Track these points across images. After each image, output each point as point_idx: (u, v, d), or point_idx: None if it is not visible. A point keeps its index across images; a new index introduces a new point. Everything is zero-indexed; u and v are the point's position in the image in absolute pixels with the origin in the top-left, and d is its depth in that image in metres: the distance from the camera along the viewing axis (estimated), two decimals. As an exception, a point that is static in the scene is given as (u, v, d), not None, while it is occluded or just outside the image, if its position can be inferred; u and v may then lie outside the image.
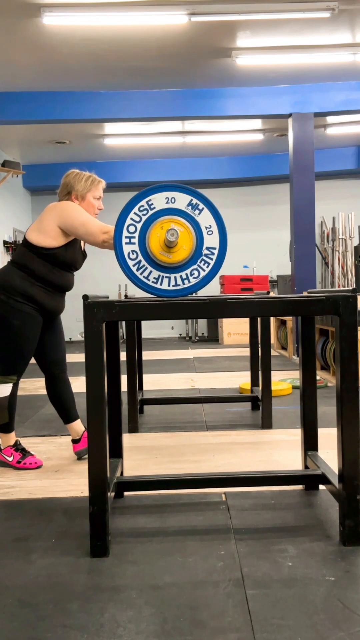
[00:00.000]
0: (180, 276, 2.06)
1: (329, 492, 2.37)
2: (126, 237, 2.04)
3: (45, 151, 9.53)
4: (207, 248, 2.06)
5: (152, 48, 5.90)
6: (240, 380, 5.60)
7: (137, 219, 2.03)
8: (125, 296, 10.79)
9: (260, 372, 3.87)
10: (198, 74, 6.68)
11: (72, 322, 11.37)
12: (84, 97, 7.13)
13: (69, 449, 3.32)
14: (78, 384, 5.75)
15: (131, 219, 2.03)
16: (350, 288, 3.05)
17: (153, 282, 2.05)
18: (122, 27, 5.41)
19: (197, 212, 2.04)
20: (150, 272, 2.05)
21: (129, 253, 2.04)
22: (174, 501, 2.45)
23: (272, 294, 4.06)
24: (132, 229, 2.04)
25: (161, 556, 1.95)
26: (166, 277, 2.05)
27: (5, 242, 9.47)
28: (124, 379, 4.90)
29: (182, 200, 2.04)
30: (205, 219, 2.05)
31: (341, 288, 3.38)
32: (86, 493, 2.47)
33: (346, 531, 1.98)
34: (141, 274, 2.05)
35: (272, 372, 5.39)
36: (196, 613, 1.60)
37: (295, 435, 3.45)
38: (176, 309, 2.00)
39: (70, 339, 11.41)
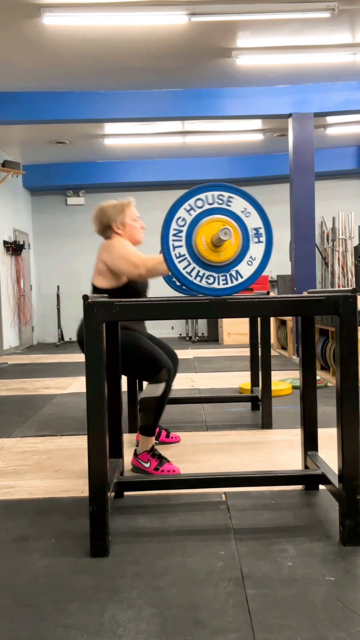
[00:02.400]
0: (200, 273, 2.07)
1: (329, 492, 2.37)
2: (189, 204, 2.05)
3: (45, 151, 9.53)
4: (237, 272, 2.09)
5: (152, 48, 5.90)
6: (240, 380, 5.60)
7: (210, 200, 2.06)
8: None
9: (260, 372, 3.87)
10: (198, 74, 6.68)
11: (72, 322, 11.38)
12: (84, 97, 7.13)
13: (69, 448, 3.32)
14: (78, 384, 5.76)
15: (205, 196, 2.06)
16: (350, 288, 3.05)
17: (177, 256, 2.06)
18: (122, 27, 5.41)
19: (256, 239, 2.09)
20: (181, 248, 2.06)
21: (178, 219, 2.06)
22: (174, 501, 2.45)
23: (272, 294, 4.06)
24: (199, 203, 2.06)
25: (161, 556, 1.95)
26: (189, 264, 2.06)
27: (5, 242, 9.47)
28: (124, 379, 4.90)
29: (253, 220, 2.07)
30: (256, 249, 2.09)
31: (341, 288, 3.38)
32: (86, 493, 2.47)
33: (346, 531, 1.98)
34: (173, 243, 2.06)
35: (272, 372, 5.38)
36: (196, 613, 1.60)
37: (295, 435, 3.45)
38: (176, 309, 2.00)
39: (70, 339, 11.41)
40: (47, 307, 11.48)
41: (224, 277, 2.07)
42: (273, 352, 7.92)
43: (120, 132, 8.61)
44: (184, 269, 2.06)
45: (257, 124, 8.38)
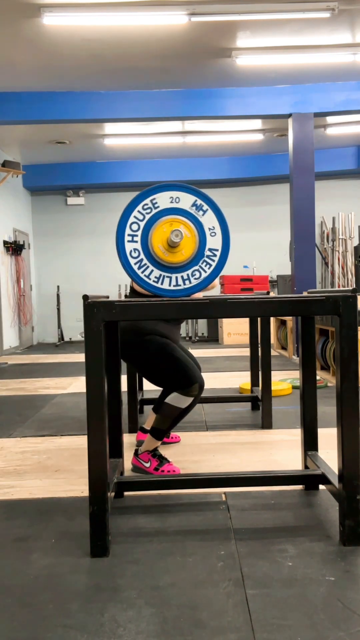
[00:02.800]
0: (182, 276, 2.06)
1: (329, 492, 2.37)
2: (129, 234, 2.04)
3: (45, 151, 9.53)
4: (210, 249, 2.07)
5: (152, 48, 5.90)
6: (240, 380, 5.60)
7: (141, 217, 2.04)
8: (126, 296, 10.79)
9: (260, 372, 3.87)
10: (198, 74, 6.68)
11: (72, 322, 11.38)
12: (84, 97, 7.13)
13: (69, 448, 3.33)
14: (78, 384, 5.76)
15: (134, 217, 2.04)
16: (350, 288, 3.05)
17: (154, 281, 2.06)
18: (122, 27, 5.41)
19: (201, 212, 2.05)
20: (152, 271, 2.05)
21: (131, 251, 2.04)
22: (174, 501, 2.45)
23: (272, 294, 4.06)
24: (135, 227, 2.04)
25: (161, 556, 1.95)
26: (167, 276, 2.06)
27: (5, 242, 9.47)
28: (124, 379, 4.90)
29: (186, 201, 2.05)
30: (208, 220, 2.06)
31: (341, 288, 3.38)
32: (86, 493, 2.47)
33: (346, 531, 1.98)
34: (142, 272, 2.05)
35: (272, 372, 5.39)
36: (196, 613, 1.60)
37: (295, 435, 3.45)
38: (176, 309, 2.00)
39: (70, 339, 11.41)
40: (47, 307, 11.48)
41: (204, 263, 2.07)
42: (273, 352, 7.92)
43: (120, 132, 8.61)
44: (169, 285, 2.06)
45: (257, 124, 8.38)
